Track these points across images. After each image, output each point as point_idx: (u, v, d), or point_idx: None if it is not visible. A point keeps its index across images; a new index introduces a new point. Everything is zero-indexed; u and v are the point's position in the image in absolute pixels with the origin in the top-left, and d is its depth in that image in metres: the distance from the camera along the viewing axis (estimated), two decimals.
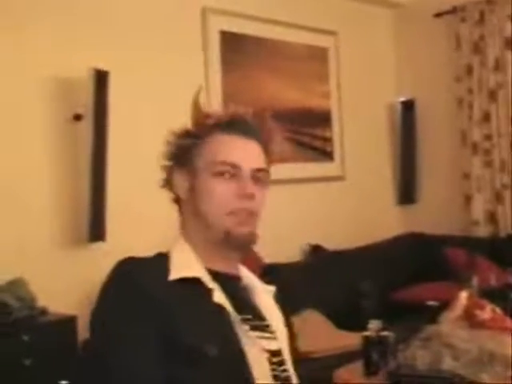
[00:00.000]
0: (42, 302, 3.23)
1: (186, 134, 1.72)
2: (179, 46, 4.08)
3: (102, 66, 3.50)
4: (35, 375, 2.96)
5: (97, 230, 3.50)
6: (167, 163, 1.75)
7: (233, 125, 1.69)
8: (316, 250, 4.57)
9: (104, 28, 3.72)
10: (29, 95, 3.45)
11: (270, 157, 1.77)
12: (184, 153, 1.70)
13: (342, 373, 3.15)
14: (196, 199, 1.68)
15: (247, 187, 1.67)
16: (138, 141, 3.65)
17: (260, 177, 1.70)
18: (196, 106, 1.76)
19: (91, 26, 3.67)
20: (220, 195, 1.66)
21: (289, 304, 1.83)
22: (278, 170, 4.38)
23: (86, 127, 3.48)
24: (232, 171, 1.66)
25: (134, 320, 1.54)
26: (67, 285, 3.45)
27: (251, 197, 1.67)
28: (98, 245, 3.54)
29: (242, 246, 1.72)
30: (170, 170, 1.74)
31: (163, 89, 3.86)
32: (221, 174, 1.66)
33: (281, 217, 4.41)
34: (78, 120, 3.53)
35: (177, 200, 1.74)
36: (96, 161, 3.48)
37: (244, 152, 1.69)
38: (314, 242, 4.60)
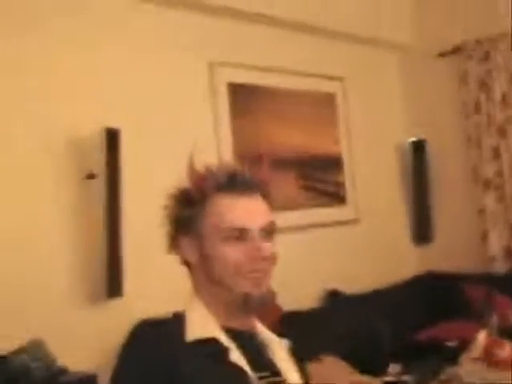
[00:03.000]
0: (62, 360, 3.23)
1: (186, 200, 1.69)
2: (188, 101, 4.14)
3: (113, 125, 3.55)
4: None
5: (114, 287, 3.52)
6: (171, 229, 1.74)
7: (232, 184, 1.67)
8: (333, 294, 4.56)
9: (113, 86, 3.78)
10: (41, 156, 3.50)
11: (272, 202, 1.77)
12: (187, 219, 1.68)
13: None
14: (208, 265, 1.67)
15: (259, 248, 1.66)
16: (152, 196, 3.66)
17: (269, 231, 1.71)
18: (192, 168, 1.75)
19: (101, 85, 3.73)
20: (233, 260, 1.64)
21: (308, 350, 1.84)
22: (293, 217, 4.49)
23: (100, 185, 3.53)
24: (240, 235, 1.66)
25: None
26: (86, 342, 3.46)
27: (261, 257, 1.67)
28: (116, 301, 3.56)
29: (261, 306, 1.73)
30: (174, 236, 1.74)
31: (174, 144, 3.89)
32: (229, 238, 1.66)
33: (298, 263, 4.42)
34: (91, 178, 3.57)
35: (186, 263, 1.75)
36: (110, 218, 3.51)
37: (248, 212, 1.67)
38: (332, 286, 4.60)
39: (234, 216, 1.66)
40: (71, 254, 3.57)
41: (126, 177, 3.59)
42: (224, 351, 1.63)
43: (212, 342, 1.64)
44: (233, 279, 1.66)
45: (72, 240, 3.57)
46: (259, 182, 1.74)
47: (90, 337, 3.49)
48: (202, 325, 1.66)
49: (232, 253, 1.65)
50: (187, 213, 1.68)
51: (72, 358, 3.27)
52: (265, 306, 1.73)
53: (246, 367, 1.64)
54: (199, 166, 1.74)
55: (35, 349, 3.18)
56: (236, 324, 1.71)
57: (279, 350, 1.80)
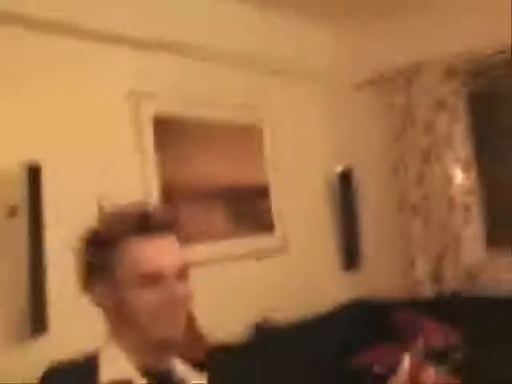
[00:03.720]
0: None
1: (97, 244, 1.67)
2: (110, 133, 4.09)
3: (34, 160, 3.50)
4: None
5: (38, 324, 3.45)
6: (83, 272, 1.73)
7: (143, 225, 1.66)
8: (261, 327, 4.55)
9: (32, 119, 3.71)
10: None
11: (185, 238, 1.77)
12: (99, 264, 1.67)
13: None
14: (122, 309, 1.66)
15: (173, 292, 1.66)
16: (75, 233, 3.62)
17: (183, 272, 1.71)
18: (102, 211, 1.74)
19: (19, 118, 3.66)
20: (146, 306, 1.63)
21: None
22: (220, 247, 4.48)
23: (22, 222, 3.46)
24: (153, 279, 1.65)
25: None
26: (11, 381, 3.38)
27: (177, 299, 1.67)
28: (40, 340, 3.49)
29: (178, 349, 1.72)
30: (87, 280, 1.72)
31: (96, 178, 3.85)
32: (142, 282, 1.64)
33: (226, 294, 4.41)
34: (13, 214, 3.51)
35: (100, 305, 1.73)
36: (33, 255, 3.45)
37: (160, 255, 1.66)
38: (261, 316, 4.59)
39: (147, 261, 1.65)
40: None
41: (48, 213, 3.53)
42: None
43: (126, 383, 1.63)
44: (148, 324, 1.65)
45: None
46: (171, 222, 1.74)
47: (14, 375, 3.41)
48: (116, 367, 1.65)
49: (147, 298, 1.64)
50: (99, 257, 1.68)
51: None
52: (186, 347, 1.72)
53: None
54: (109, 209, 1.73)
55: None
56: (152, 363, 1.70)
57: None
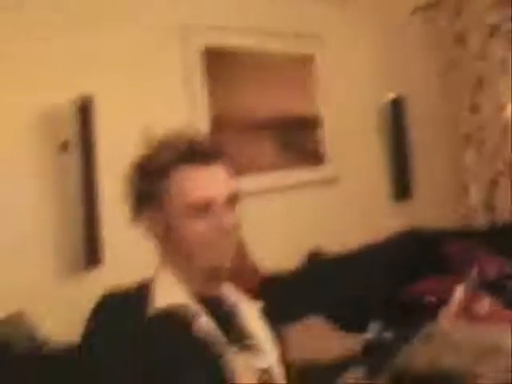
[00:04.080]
0: (43, 332, 3.23)
1: (146, 173, 1.68)
2: (161, 65, 4.08)
3: (85, 93, 3.51)
4: None
5: (92, 256, 3.52)
6: (133, 201, 1.73)
7: (192, 154, 1.66)
8: (314, 256, 4.57)
9: (84, 54, 3.72)
10: (12, 128, 3.47)
11: (234, 168, 1.76)
12: (149, 193, 1.67)
13: (346, 378, 3.15)
14: (173, 237, 1.66)
15: (223, 220, 1.66)
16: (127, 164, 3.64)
17: (232, 201, 1.71)
18: (150, 139, 1.73)
19: (72, 52, 3.67)
20: (198, 234, 1.64)
21: (290, 312, 1.84)
22: (271, 179, 4.48)
23: (74, 156, 3.49)
24: (203, 208, 1.65)
25: (112, 366, 1.55)
26: (67, 313, 3.45)
27: (226, 228, 1.67)
28: (95, 270, 3.56)
29: (227, 278, 1.73)
30: (137, 208, 1.72)
31: (148, 112, 3.85)
32: (193, 211, 1.64)
33: (276, 225, 4.42)
34: (64, 149, 3.54)
35: (151, 233, 1.74)
36: (86, 187, 3.49)
37: (210, 183, 1.66)
38: (311, 247, 4.60)
39: (197, 189, 1.65)
40: (48, 225, 3.55)
41: (100, 145, 3.56)
42: (192, 319, 1.63)
43: (180, 310, 1.64)
44: (198, 252, 1.66)
45: (48, 211, 3.55)
46: (220, 150, 1.73)
47: (69, 307, 3.49)
48: (170, 293, 1.67)
49: (197, 227, 1.65)
50: (149, 186, 1.68)
51: (53, 329, 3.27)
52: (237, 274, 1.73)
53: (216, 333, 1.64)
54: (158, 137, 1.72)
55: (16, 321, 3.18)
56: (205, 290, 1.71)
57: (250, 313, 1.80)
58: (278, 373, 1.74)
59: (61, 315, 3.40)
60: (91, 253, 3.51)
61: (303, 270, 4.40)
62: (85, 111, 3.50)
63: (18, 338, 3.13)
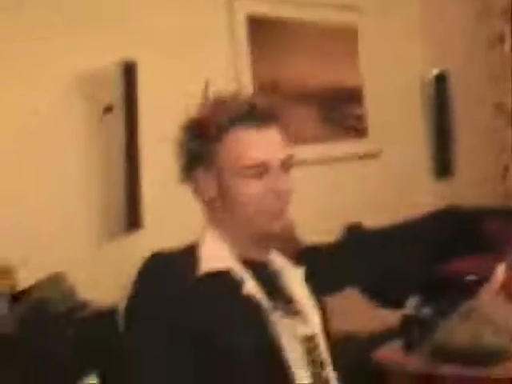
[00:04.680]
0: (82, 295, 3.26)
1: (201, 133, 1.63)
2: (206, 33, 4.06)
3: (130, 57, 3.51)
4: (76, 368, 2.98)
5: (133, 219, 3.53)
6: (185, 161, 1.71)
7: (249, 116, 1.62)
8: (353, 228, 4.55)
9: (130, 18, 3.71)
10: (57, 91, 3.47)
11: (291, 133, 1.73)
12: (203, 153, 1.64)
13: (382, 352, 3.15)
14: (225, 199, 1.63)
15: (278, 184, 1.63)
16: (170, 128, 3.63)
17: (288, 164, 1.68)
18: (207, 99, 1.70)
19: (115, 17, 3.66)
20: (253, 196, 1.61)
21: (327, 284, 1.83)
22: (313, 150, 4.45)
23: (118, 119, 3.50)
24: (259, 170, 1.62)
25: (162, 330, 1.53)
26: (106, 276, 3.48)
27: (281, 192, 1.64)
28: (135, 234, 3.57)
29: (279, 242, 1.71)
30: (189, 169, 1.70)
31: (191, 77, 3.83)
32: (247, 173, 1.61)
33: (317, 197, 4.40)
34: (108, 112, 3.55)
35: (200, 195, 1.72)
36: (129, 151, 3.51)
37: (266, 146, 1.62)
38: (352, 220, 4.58)
39: (252, 150, 1.61)
40: (90, 187, 3.57)
41: (143, 110, 3.56)
42: (239, 282, 1.62)
43: (226, 274, 1.63)
44: (252, 215, 1.63)
45: (91, 173, 3.58)
46: (277, 113, 1.70)
47: (109, 270, 3.51)
48: (216, 255, 1.65)
49: (251, 190, 1.62)
50: (203, 146, 1.64)
51: (92, 292, 3.29)
52: (284, 242, 1.71)
53: (261, 297, 1.63)
54: (214, 97, 1.69)
55: (55, 282, 3.20)
56: (251, 254, 1.70)
57: (295, 279, 1.79)
58: (321, 340, 1.73)
59: (101, 278, 3.43)
60: (133, 216, 3.53)
61: (342, 243, 4.39)
62: (129, 74, 3.51)
63: (57, 299, 3.15)
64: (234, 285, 1.61)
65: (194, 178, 1.68)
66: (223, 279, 1.61)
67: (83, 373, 2.86)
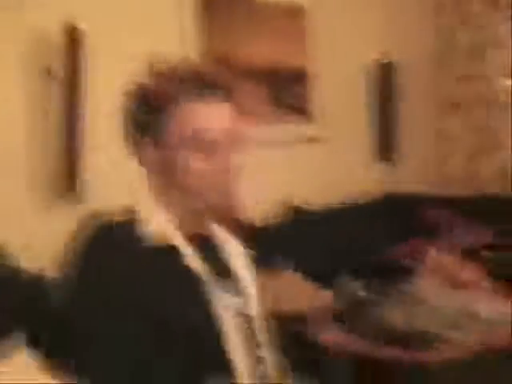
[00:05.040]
0: (21, 262, 3.19)
1: (148, 103, 1.60)
2: (156, 6, 4.00)
3: (77, 22, 3.45)
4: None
5: (70, 187, 3.49)
6: (130, 131, 1.67)
7: (197, 88, 1.59)
8: (295, 210, 4.55)
9: None
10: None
11: (243, 110, 1.70)
12: (149, 123, 1.60)
13: (323, 333, 3.15)
14: (170, 172, 1.61)
15: (225, 158, 1.61)
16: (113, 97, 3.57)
17: (235, 139, 1.65)
18: (154, 68, 1.65)
19: None
20: (197, 170, 1.58)
21: (268, 263, 1.82)
22: (257, 132, 4.41)
23: (59, 84, 3.45)
24: (206, 143, 1.59)
25: (108, 302, 1.52)
26: (43, 243, 3.40)
27: (229, 171, 1.62)
28: (73, 201, 3.53)
29: (223, 219, 1.69)
30: (133, 138, 1.66)
31: (138, 45, 3.76)
32: (194, 147, 1.59)
33: (259, 178, 4.37)
34: (49, 75, 3.46)
35: (145, 165, 1.68)
36: (69, 113, 3.45)
37: (215, 119, 1.60)
38: (292, 203, 4.58)
39: (200, 123, 1.59)
40: (29, 151, 3.49)
41: (87, 75, 3.51)
42: (181, 255, 1.60)
43: (169, 246, 1.61)
44: (198, 189, 1.61)
45: (30, 138, 3.49)
46: (227, 86, 1.67)
47: (45, 237, 3.44)
48: (160, 228, 1.62)
49: (197, 162, 1.59)
50: (150, 117, 1.61)
51: (26, 258, 3.22)
52: (228, 218, 1.69)
53: (202, 271, 1.61)
54: (163, 68, 1.65)
55: None
56: (195, 228, 1.67)
57: (237, 255, 1.77)
58: (259, 319, 1.72)
59: (36, 245, 3.36)
60: (70, 183, 3.48)
61: (283, 223, 4.38)
62: (72, 37, 3.43)
63: None
64: (177, 257, 1.59)
65: (140, 148, 1.65)
66: (166, 251, 1.59)
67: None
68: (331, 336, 3.13)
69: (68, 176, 3.48)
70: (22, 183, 3.48)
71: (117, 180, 3.59)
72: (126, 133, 1.66)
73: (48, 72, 3.46)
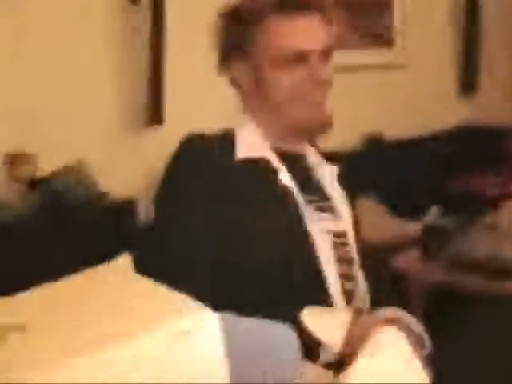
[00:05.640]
0: (103, 185, 3.25)
1: (237, 19, 1.58)
2: None
3: None
4: (94, 258, 2.98)
5: (155, 113, 3.49)
6: (221, 49, 1.66)
7: (287, 3, 1.56)
8: (374, 138, 4.50)
9: None
10: None
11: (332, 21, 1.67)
12: (239, 39, 1.58)
13: (401, 259, 3.14)
14: (262, 88, 1.59)
15: (317, 72, 1.59)
16: (199, 17, 3.53)
17: (327, 53, 1.63)
18: None
19: None
20: (289, 84, 1.57)
21: (348, 191, 1.80)
22: (338, 57, 4.33)
23: (144, 10, 3.45)
24: (298, 58, 1.57)
25: (196, 205, 1.52)
26: (128, 168, 3.46)
27: (320, 82, 1.60)
28: (157, 128, 3.55)
29: (317, 133, 1.68)
30: (225, 57, 1.65)
31: None
32: (286, 62, 1.56)
33: (339, 104, 4.32)
34: (135, 3, 3.46)
35: (237, 84, 1.67)
36: (155, 42, 3.45)
37: (304, 34, 1.57)
38: (373, 130, 4.53)
39: (290, 37, 1.56)
40: (115, 78, 3.53)
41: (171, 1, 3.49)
42: (273, 172, 1.60)
43: (262, 162, 1.61)
44: (289, 104, 1.60)
45: (114, 65, 3.52)
46: (318, 1, 1.64)
47: (131, 163, 3.50)
48: (253, 144, 1.62)
49: (289, 77, 1.58)
50: (239, 33, 1.59)
51: (113, 183, 3.28)
52: (323, 133, 1.67)
53: (295, 189, 1.61)
54: None
55: (77, 171, 3.18)
56: (287, 146, 1.67)
57: (328, 175, 1.76)
58: (351, 239, 1.71)
59: (122, 170, 3.42)
60: (155, 110, 3.49)
61: (362, 152, 4.35)
62: None
63: (76, 188, 3.14)
64: (270, 174, 1.59)
65: (231, 67, 1.64)
66: (259, 167, 1.59)
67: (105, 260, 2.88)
68: (408, 262, 3.12)
69: (152, 105, 3.49)
70: (108, 108, 3.53)
71: (202, 108, 3.62)
72: (218, 53, 1.66)
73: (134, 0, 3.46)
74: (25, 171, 3.09)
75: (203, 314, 1.04)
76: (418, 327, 1.49)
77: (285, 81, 1.57)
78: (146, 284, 1.16)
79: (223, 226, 1.51)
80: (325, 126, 1.64)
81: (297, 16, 1.58)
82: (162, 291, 1.12)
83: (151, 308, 1.06)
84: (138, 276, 1.23)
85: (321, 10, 1.62)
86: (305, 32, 1.59)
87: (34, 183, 3.09)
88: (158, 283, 1.17)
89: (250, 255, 1.52)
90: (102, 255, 2.88)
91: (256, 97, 1.63)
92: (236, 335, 1.12)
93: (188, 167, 1.57)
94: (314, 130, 1.64)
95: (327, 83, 1.62)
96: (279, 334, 1.22)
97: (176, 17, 3.54)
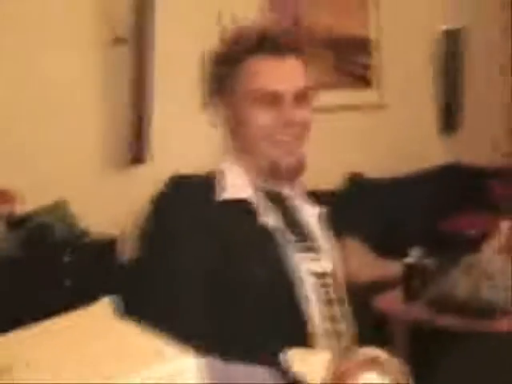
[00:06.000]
0: (84, 223, 3.25)
1: (220, 60, 1.65)
2: None
3: None
4: (75, 296, 2.98)
5: (138, 153, 3.51)
6: (206, 90, 1.71)
7: (264, 44, 1.60)
8: (355, 178, 4.52)
9: None
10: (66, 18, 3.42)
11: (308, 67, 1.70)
12: (220, 80, 1.64)
13: (383, 299, 3.14)
14: (241, 129, 1.63)
15: (289, 114, 1.61)
16: (182, 60, 3.57)
17: (302, 96, 1.65)
18: (225, 30, 1.69)
19: None
20: (262, 124, 1.60)
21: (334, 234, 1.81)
22: (318, 98, 4.37)
23: (128, 49, 3.47)
24: (272, 99, 1.60)
25: (184, 246, 1.52)
26: (109, 207, 3.46)
27: (293, 124, 1.62)
28: (140, 167, 3.56)
29: (289, 176, 1.68)
30: (209, 96, 1.70)
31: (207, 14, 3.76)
32: (260, 102, 1.59)
33: (319, 144, 4.34)
34: (118, 43, 3.49)
35: (221, 124, 1.70)
36: (138, 80, 3.46)
37: (281, 75, 1.61)
38: (354, 170, 4.55)
39: (266, 79, 1.60)
40: (98, 117, 3.54)
41: (156, 39, 3.52)
42: (257, 212, 1.60)
43: (245, 202, 1.61)
44: (261, 145, 1.62)
45: (99, 103, 3.54)
46: (297, 44, 1.67)
47: (112, 201, 3.49)
48: (237, 185, 1.63)
49: (261, 117, 1.60)
50: (222, 73, 1.64)
51: (94, 221, 3.27)
52: (293, 177, 1.68)
53: (278, 229, 1.61)
54: (235, 27, 1.68)
55: (58, 210, 3.19)
56: (270, 186, 1.68)
57: (312, 215, 1.76)
58: (334, 279, 1.71)
59: (103, 209, 3.41)
60: (138, 149, 3.50)
61: (344, 191, 4.37)
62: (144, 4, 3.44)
63: (58, 226, 3.13)
64: (252, 214, 1.60)
65: (215, 107, 1.68)
66: (243, 209, 1.60)
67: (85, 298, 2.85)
68: (390, 302, 3.13)
69: (135, 143, 3.51)
70: (91, 147, 3.54)
71: (186, 147, 3.63)
72: (205, 89, 1.71)
73: (117, 41, 3.48)
74: (5, 208, 3.08)
75: (184, 359, 1.03)
76: (398, 367, 1.49)
77: (260, 121, 1.60)
78: (127, 328, 1.15)
79: (209, 265, 1.51)
80: (297, 168, 1.65)
81: (272, 57, 1.62)
82: (143, 335, 1.11)
83: (131, 353, 1.05)
84: (118, 319, 1.22)
85: (296, 52, 1.65)
86: (278, 73, 1.62)
87: (14, 221, 3.08)
88: (140, 325, 1.16)
89: (237, 295, 1.52)
90: (82, 293, 2.89)
91: (237, 136, 1.66)
92: (218, 380, 1.11)
93: (174, 206, 1.57)
94: (287, 172, 1.65)
95: (301, 125, 1.63)
96: (263, 378, 1.21)
97: (159, 55, 3.55)
